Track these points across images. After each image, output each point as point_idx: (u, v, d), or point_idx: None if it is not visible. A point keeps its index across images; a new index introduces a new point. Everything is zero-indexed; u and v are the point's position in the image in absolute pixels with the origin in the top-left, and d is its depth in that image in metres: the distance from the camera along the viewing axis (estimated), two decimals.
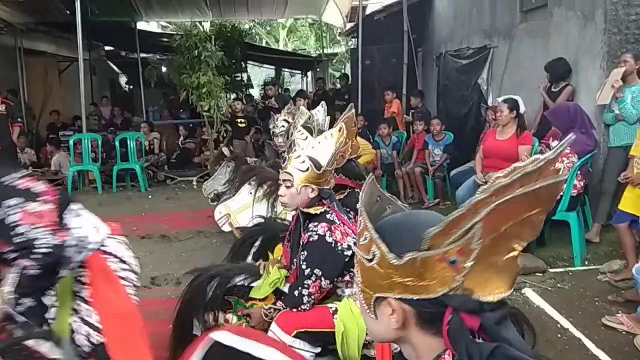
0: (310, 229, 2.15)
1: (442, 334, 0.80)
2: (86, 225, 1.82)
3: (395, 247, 0.81)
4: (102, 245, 1.84)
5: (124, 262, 1.90)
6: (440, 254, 0.76)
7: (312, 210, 2.19)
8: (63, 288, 1.81)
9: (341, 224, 2.17)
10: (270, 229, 3.02)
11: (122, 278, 1.87)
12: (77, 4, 7.36)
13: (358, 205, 0.90)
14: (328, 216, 2.17)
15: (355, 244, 2.05)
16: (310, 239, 2.12)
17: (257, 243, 2.93)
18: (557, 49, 5.27)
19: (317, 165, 2.22)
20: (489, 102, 6.65)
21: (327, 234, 2.11)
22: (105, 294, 1.79)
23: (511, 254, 0.75)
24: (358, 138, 6.49)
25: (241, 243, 3.00)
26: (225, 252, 3.20)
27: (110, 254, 1.86)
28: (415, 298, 0.80)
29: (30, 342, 1.69)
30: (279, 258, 2.63)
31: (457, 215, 0.75)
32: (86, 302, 1.79)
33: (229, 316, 2.39)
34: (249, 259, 2.88)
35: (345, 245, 2.12)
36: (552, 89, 5.08)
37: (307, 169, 2.22)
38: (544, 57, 5.42)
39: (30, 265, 1.61)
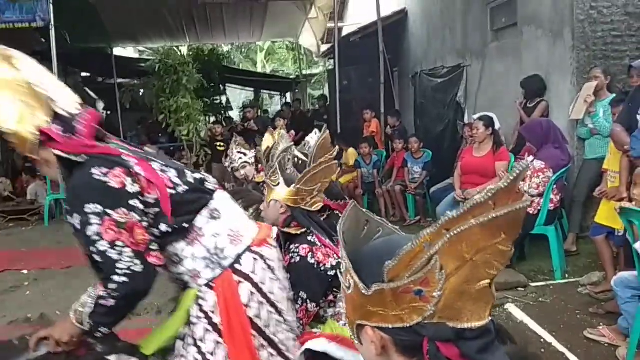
0: (292, 250, 2.11)
1: None
2: (223, 233, 1.50)
3: (369, 276, 0.81)
4: (237, 263, 1.52)
5: (260, 289, 1.54)
6: (403, 285, 0.76)
7: (292, 231, 2.15)
8: (181, 304, 1.52)
9: (322, 246, 2.13)
10: None
11: (253, 323, 1.51)
12: (52, 32, 7.31)
13: (338, 231, 0.89)
14: (309, 238, 2.13)
15: (337, 266, 2.03)
16: (292, 261, 2.08)
17: None
18: (529, 66, 5.41)
19: (289, 182, 2.20)
20: (465, 120, 6.77)
21: (309, 255, 2.07)
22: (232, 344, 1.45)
23: (483, 283, 0.75)
24: (351, 150, 6.67)
25: None
26: None
27: (245, 276, 1.51)
28: (390, 327, 0.80)
29: (112, 357, 1.51)
30: None
31: (409, 249, 0.76)
32: (196, 344, 1.48)
33: None
34: None
35: (328, 266, 2.08)
36: (528, 105, 5.20)
37: (278, 184, 2.22)
38: (516, 74, 5.55)
39: (105, 296, 1.35)
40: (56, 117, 1.41)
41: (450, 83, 7.18)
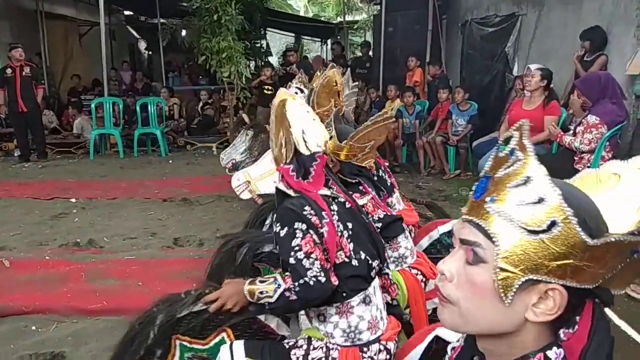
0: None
1: (553, 327, 0.73)
2: (366, 318, 1.75)
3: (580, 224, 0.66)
4: (366, 347, 1.74)
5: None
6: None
7: (348, 179, 2.15)
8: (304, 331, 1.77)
9: (371, 197, 2.16)
10: None
11: None
12: None
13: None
14: (360, 187, 2.16)
15: (384, 219, 2.04)
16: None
17: (268, 221, 2.83)
18: (590, 17, 5.09)
19: (342, 135, 2.19)
20: (514, 72, 6.50)
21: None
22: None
23: None
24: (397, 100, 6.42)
25: (254, 220, 2.89)
26: (246, 216, 3.18)
27: (369, 358, 1.77)
28: (578, 287, 0.68)
29: (261, 317, 1.74)
30: None
31: None
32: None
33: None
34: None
35: (375, 217, 2.12)
36: (585, 59, 4.93)
37: (331, 138, 2.20)
38: (575, 25, 5.25)
39: (291, 289, 1.58)
40: (295, 154, 1.72)
41: (502, 33, 6.86)
